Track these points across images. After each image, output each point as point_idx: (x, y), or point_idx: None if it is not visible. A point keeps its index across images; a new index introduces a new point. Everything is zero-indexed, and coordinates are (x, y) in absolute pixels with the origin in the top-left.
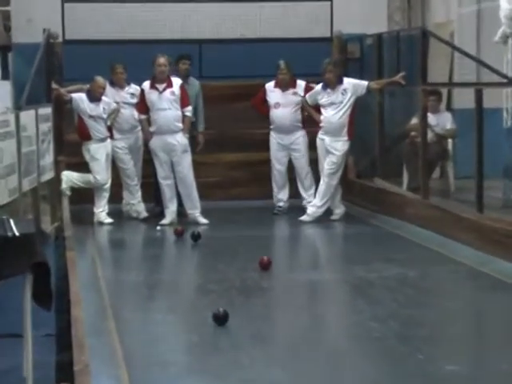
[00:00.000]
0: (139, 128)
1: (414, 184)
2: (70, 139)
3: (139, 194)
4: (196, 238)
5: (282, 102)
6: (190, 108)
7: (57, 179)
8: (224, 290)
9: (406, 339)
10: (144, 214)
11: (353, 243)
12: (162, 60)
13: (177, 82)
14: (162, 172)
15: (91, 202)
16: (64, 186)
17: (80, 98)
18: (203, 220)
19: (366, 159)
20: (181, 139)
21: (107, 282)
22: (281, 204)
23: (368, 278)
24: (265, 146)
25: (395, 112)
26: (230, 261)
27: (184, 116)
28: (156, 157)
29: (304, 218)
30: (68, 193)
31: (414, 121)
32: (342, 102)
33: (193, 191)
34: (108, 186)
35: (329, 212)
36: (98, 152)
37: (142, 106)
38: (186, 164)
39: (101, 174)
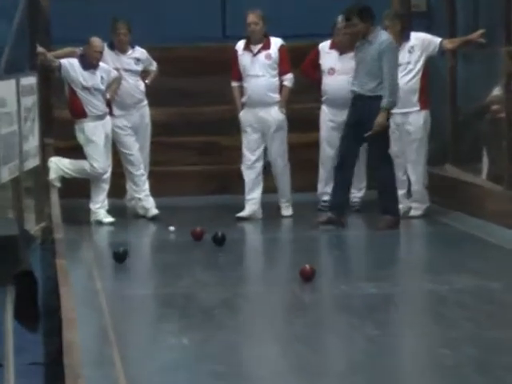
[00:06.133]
0: (145, 102)
1: (495, 172)
2: (60, 117)
3: (147, 186)
4: (219, 241)
5: (337, 68)
6: (290, 76)
7: (43, 167)
8: (256, 307)
9: (485, 368)
10: (153, 212)
11: (418, 247)
12: (251, 17)
13: (276, 42)
14: (249, 153)
15: (87, 197)
16: (53, 175)
17: (71, 64)
18: (287, 212)
19: (435, 141)
20: (276, 114)
21: (108, 298)
22: (326, 198)
23: (438, 292)
24: (308, 124)
25: (472, 80)
26: (263, 270)
27: (282, 85)
28: (244, 133)
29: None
30: (58, 184)
31: (497, 92)
32: (409, 63)
33: (284, 177)
34: (108, 175)
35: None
36: (95, 133)
37: (235, 70)
38: (279, 144)
39: (98, 160)
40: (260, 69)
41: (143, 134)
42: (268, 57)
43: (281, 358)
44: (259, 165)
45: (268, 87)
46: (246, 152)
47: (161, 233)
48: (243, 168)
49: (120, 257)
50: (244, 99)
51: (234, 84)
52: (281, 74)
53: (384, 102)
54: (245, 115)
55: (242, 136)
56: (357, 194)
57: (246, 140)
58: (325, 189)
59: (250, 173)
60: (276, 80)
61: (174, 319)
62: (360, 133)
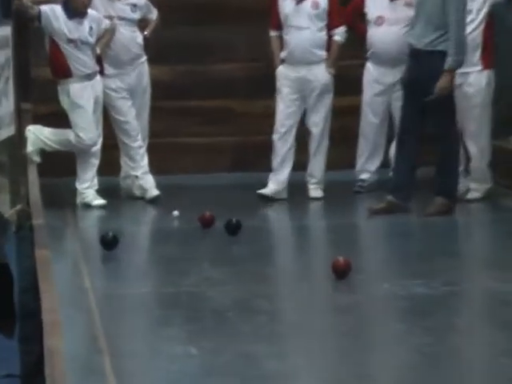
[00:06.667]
0: (144, 58)
1: None
2: (40, 76)
3: (145, 161)
4: (234, 229)
5: (387, 17)
6: (342, 29)
7: (19, 138)
8: (277, 310)
9: None
10: (153, 193)
11: (478, 237)
12: None
13: None
14: (282, 117)
15: (73, 174)
16: (31, 148)
17: (53, 11)
18: (316, 193)
19: (500, 108)
20: (322, 75)
21: (98, 297)
22: (365, 177)
23: (502, 292)
24: (345, 86)
25: None
26: (287, 264)
27: (331, 40)
28: (279, 94)
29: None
30: (37, 159)
31: None
32: (470, 12)
33: (319, 152)
34: (97, 148)
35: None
36: (83, 96)
37: (274, 17)
38: (322, 112)
39: (86, 129)
40: (304, 19)
41: (141, 98)
42: (315, 5)
43: (309, 373)
44: (293, 134)
45: (313, 42)
46: (280, 117)
47: (162, 219)
48: (275, 137)
49: (108, 243)
50: (283, 55)
51: (273, 33)
52: (330, 27)
53: (449, 61)
54: (283, 72)
55: (277, 97)
56: None
57: (282, 102)
58: (365, 165)
59: (283, 144)
60: (323, 34)
61: (179, 324)
62: (420, 96)
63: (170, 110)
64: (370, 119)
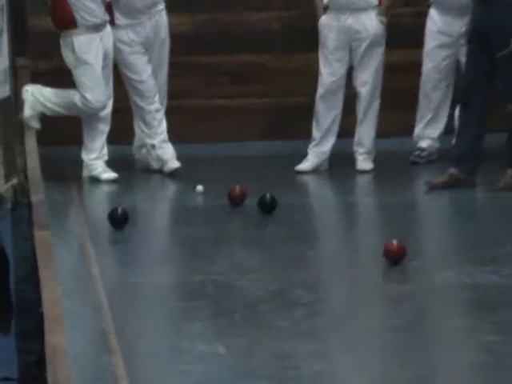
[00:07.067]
0: (161, 6)
1: None
2: (39, 27)
3: (164, 127)
4: (268, 206)
5: None
6: None
7: (15, 100)
8: (319, 302)
9: None
10: (173, 164)
11: None
12: None
13: None
14: (325, 74)
15: (78, 142)
16: (28, 112)
17: None
18: (365, 165)
19: None
20: (372, 24)
21: (108, 287)
22: (424, 145)
23: None
24: (398, 37)
25: None
26: (329, 248)
27: None
28: (322, 48)
29: None
30: (36, 125)
31: None
32: None
33: (369, 116)
34: (107, 112)
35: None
36: (90, 50)
37: None
38: (372, 68)
39: (94, 89)
40: None
41: (158, 53)
42: None
43: (355, 374)
44: (340, 98)
45: None
46: (323, 77)
47: (184, 195)
48: (318, 101)
49: (118, 219)
50: (326, 0)
51: None
52: None
53: None
54: (327, 23)
55: (320, 52)
56: None
57: (326, 60)
58: (425, 131)
59: (327, 109)
60: None
61: (204, 318)
62: (488, 50)
63: (191, 66)
64: (433, 75)
